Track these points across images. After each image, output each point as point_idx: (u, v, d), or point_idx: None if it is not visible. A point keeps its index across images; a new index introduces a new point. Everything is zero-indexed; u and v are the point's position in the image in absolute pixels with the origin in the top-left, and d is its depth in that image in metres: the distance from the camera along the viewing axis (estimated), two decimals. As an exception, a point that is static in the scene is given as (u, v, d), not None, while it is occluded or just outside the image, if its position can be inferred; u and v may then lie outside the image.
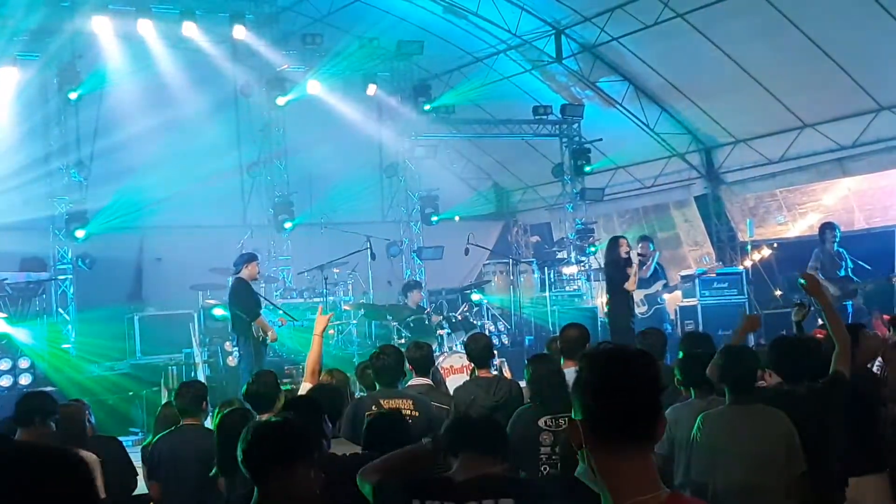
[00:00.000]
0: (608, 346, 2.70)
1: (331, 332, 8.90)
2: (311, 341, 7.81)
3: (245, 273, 13.75)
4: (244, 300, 13.62)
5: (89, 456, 6.53)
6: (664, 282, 17.48)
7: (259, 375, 7.52)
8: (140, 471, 7.76)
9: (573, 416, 2.62)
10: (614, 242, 15.08)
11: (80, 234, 17.05)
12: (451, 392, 8.24)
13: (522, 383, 7.69)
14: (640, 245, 16.30)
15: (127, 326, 16.49)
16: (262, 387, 7.15)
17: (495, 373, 9.06)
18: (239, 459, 4.17)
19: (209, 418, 7.70)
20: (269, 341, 13.64)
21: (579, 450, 2.61)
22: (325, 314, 8.35)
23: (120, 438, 8.97)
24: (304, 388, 7.33)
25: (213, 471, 6.22)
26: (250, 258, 14.10)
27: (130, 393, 14.84)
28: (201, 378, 14.21)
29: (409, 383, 7.86)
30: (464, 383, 8.32)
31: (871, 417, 6.91)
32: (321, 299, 17.00)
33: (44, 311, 16.73)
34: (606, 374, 2.58)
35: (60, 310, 16.92)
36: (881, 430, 6.96)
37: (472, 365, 8.74)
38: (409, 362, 7.92)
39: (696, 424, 5.90)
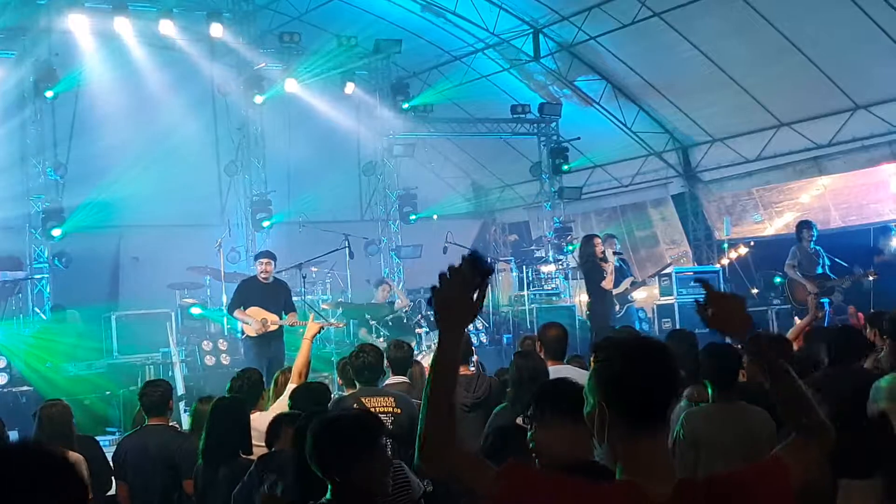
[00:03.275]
0: (635, 338, 2.83)
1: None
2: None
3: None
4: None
5: (76, 456, 6.51)
6: (631, 278, 17.52)
7: (244, 372, 7.53)
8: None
9: (594, 400, 2.78)
10: (588, 241, 15.14)
11: (56, 232, 16.87)
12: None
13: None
14: (607, 243, 16.26)
15: (104, 326, 16.39)
16: (246, 383, 7.15)
17: (473, 370, 9.04)
18: (318, 453, 3.99)
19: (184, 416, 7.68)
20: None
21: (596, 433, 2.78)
22: (317, 321, 8.39)
23: (97, 438, 8.93)
24: (290, 388, 7.33)
25: (199, 461, 6.20)
26: (256, 256, 14.29)
27: (107, 392, 14.76)
28: (178, 378, 14.18)
29: (386, 382, 7.86)
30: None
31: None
32: (299, 298, 16.95)
33: (20, 310, 16.61)
34: (633, 366, 2.76)
35: (37, 309, 16.79)
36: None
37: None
38: (388, 361, 7.91)
39: (679, 422, 5.92)
